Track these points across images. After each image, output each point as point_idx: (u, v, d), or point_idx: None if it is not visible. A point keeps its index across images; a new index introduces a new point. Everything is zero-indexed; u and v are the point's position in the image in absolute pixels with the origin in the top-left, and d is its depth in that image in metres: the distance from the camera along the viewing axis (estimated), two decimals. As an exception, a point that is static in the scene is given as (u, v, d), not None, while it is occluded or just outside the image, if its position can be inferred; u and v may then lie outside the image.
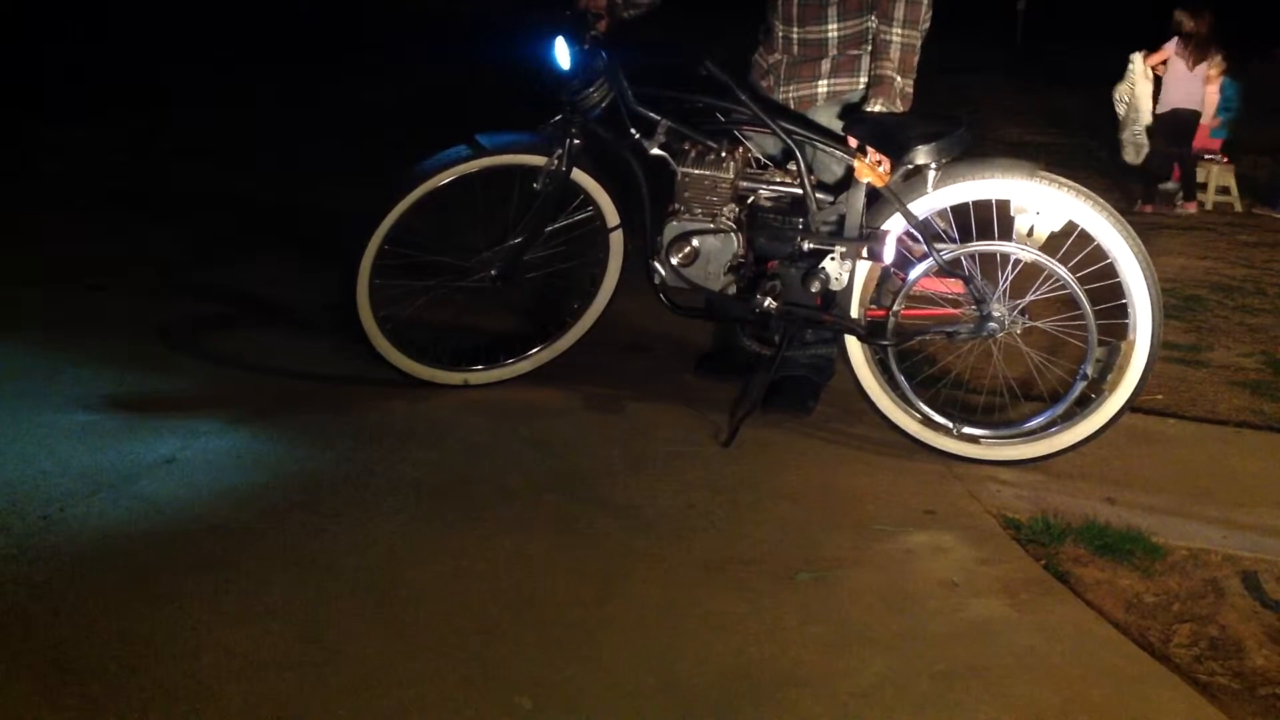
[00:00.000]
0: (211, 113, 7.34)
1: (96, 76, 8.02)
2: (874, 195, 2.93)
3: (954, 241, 2.94)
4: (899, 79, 2.94)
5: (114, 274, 4.05)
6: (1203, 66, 7.36)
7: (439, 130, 3.33)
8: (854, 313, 3.00)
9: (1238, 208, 7.59)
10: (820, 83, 3.11)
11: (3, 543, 2.26)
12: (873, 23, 3.01)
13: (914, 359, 3.44)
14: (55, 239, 4.48)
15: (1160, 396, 3.56)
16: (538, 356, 3.33)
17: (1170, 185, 7.59)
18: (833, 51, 3.08)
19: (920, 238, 2.90)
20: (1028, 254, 2.90)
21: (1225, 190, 7.77)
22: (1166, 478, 3.01)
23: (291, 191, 5.47)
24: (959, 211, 2.98)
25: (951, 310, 3.05)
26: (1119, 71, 7.80)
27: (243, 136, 6.71)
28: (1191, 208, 7.44)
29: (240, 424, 2.90)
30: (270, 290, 3.99)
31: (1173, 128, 7.45)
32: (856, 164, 2.88)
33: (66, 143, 6.24)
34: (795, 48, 3.12)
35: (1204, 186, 7.66)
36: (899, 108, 2.94)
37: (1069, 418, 2.98)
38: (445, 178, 3.03)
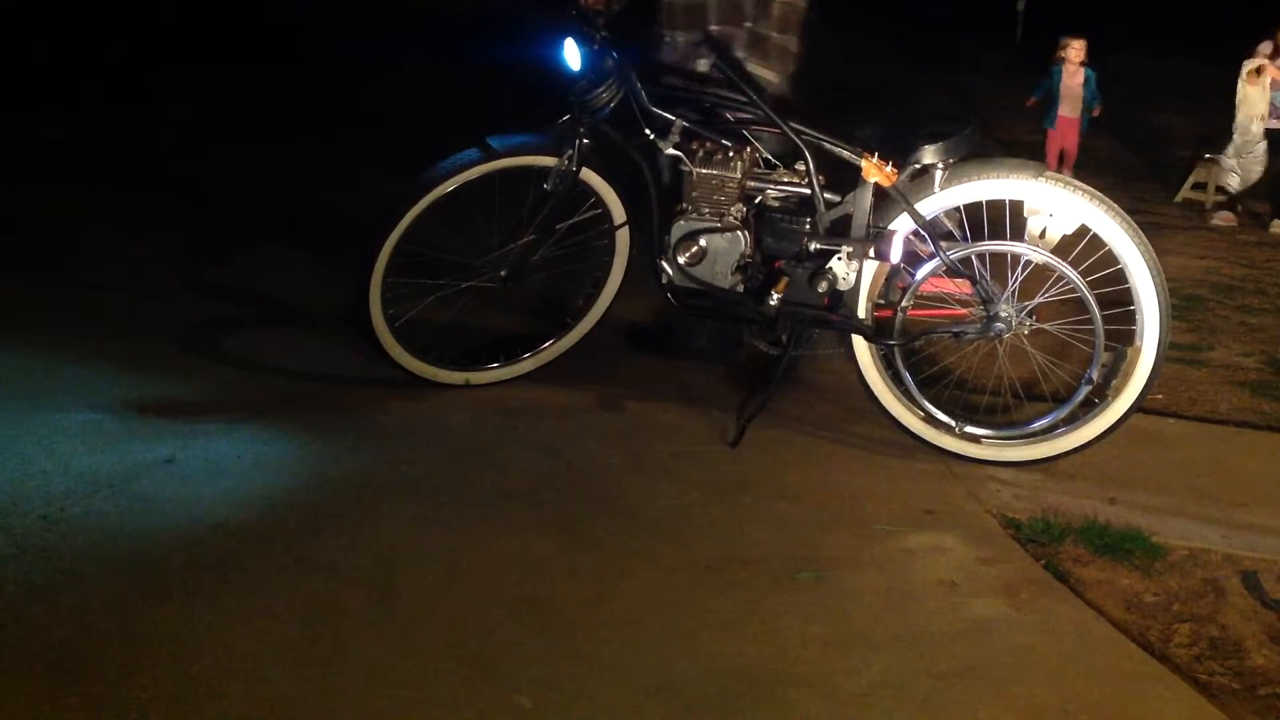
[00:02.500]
0: (211, 112, 7.33)
1: (96, 76, 8.00)
2: (882, 194, 2.93)
3: (963, 241, 2.94)
4: (775, 35, 3.10)
5: (114, 274, 4.04)
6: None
7: (442, 131, 3.33)
8: (861, 312, 3.00)
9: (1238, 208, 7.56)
10: None
11: (3, 543, 2.26)
12: None
13: (918, 357, 3.44)
14: (55, 239, 4.47)
15: (1160, 396, 3.56)
16: (539, 356, 3.33)
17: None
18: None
19: (927, 237, 2.90)
20: (1037, 255, 2.89)
21: (1225, 191, 7.75)
22: (1166, 478, 3.01)
23: (293, 191, 5.46)
24: (972, 211, 2.98)
25: (959, 310, 3.05)
26: (1116, 71, 7.74)
27: (243, 136, 6.70)
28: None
29: (240, 424, 2.89)
30: (271, 290, 3.99)
31: None
32: (864, 163, 2.88)
33: (66, 142, 6.23)
34: None
35: (1204, 187, 7.63)
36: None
37: (1072, 421, 2.98)
38: (458, 181, 3.04)
